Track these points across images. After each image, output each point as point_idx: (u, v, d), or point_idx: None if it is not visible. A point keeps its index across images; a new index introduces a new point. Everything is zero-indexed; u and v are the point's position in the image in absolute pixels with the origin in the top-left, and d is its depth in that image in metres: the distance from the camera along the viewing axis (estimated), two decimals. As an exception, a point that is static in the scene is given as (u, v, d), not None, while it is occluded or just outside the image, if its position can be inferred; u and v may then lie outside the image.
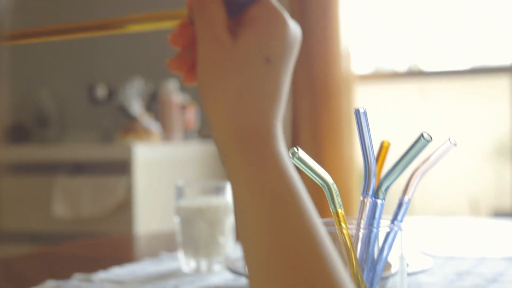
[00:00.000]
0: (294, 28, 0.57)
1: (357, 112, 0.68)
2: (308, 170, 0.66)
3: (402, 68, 3.00)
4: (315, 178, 0.67)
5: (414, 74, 3.01)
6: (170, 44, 0.58)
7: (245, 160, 0.54)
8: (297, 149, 0.64)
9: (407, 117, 3.00)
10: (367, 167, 0.68)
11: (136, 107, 2.71)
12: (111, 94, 2.79)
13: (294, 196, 0.53)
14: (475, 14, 2.94)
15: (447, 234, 1.41)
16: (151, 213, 2.52)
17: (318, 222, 0.53)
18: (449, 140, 0.69)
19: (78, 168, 2.57)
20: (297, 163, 0.65)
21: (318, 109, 2.62)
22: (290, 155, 0.64)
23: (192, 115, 2.79)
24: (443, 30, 2.98)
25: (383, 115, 3.00)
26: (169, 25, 0.58)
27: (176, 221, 1.15)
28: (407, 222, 0.71)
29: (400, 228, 0.68)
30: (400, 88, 3.04)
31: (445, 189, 2.62)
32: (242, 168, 0.54)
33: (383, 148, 0.72)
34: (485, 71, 2.92)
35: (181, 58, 0.58)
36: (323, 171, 0.68)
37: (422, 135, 0.66)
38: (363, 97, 2.81)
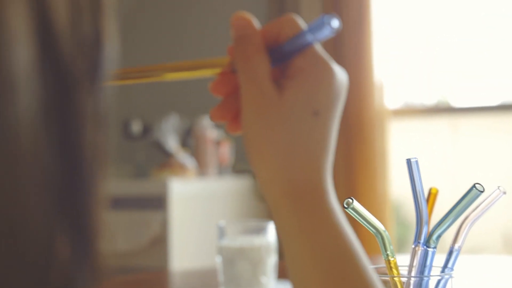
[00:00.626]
0: (341, 76, 0.54)
1: (408, 161, 0.69)
2: (362, 220, 0.68)
3: (431, 102, 3.00)
4: (368, 227, 0.68)
5: (445, 109, 3.00)
6: (211, 93, 0.56)
7: (297, 217, 0.52)
8: (352, 200, 0.66)
9: (438, 153, 2.99)
10: (418, 215, 0.68)
11: (172, 143, 2.73)
12: (146, 129, 2.81)
13: (351, 253, 0.52)
14: (505, 48, 2.94)
15: (485, 275, 1.40)
16: (186, 249, 2.53)
17: (374, 276, 0.52)
18: (499, 188, 0.70)
19: (114, 203, 2.59)
20: (351, 213, 0.66)
21: (351, 144, 2.62)
22: (345, 205, 0.65)
23: (226, 151, 2.81)
24: (473, 64, 2.98)
25: (414, 150, 2.99)
26: (210, 73, 0.57)
27: (218, 260, 1.15)
28: (457, 269, 0.72)
29: (451, 276, 0.69)
30: (431, 123, 3.04)
31: (478, 225, 2.59)
32: (295, 225, 0.52)
33: (431, 195, 0.73)
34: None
35: (224, 107, 0.56)
36: (375, 219, 0.69)
37: (474, 185, 0.67)
38: (395, 132, 2.81)
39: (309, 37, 0.53)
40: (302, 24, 0.55)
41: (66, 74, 0.34)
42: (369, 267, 0.52)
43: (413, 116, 2.98)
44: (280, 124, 0.52)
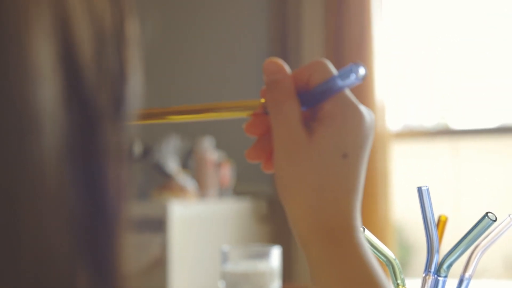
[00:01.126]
0: (369, 119, 0.57)
1: (419, 189, 0.69)
2: (373, 248, 0.67)
3: (431, 124, 3.00)
4: (379, 256, 0.68)
5: (445, 132, 3.00)
6: (246, 133, 0.59)
7: (326, 252, 0.55)
8: (364, 229, 0.65)
9: (440, 176, 2.99)
10: (429, 244, 0.69)
11: (172, 165, 2.72)
12: (146, 151, 2.81)
13: (377, 286, 0.53)
14: (504, 69, 2.95)
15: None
16: (186, 272, 2.51)
17: None
18: (510, 216, 0.70)
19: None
20: (362, 241, 0.66)
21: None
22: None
23: (227, 173, 2.81)
24: (472, 85, 2.99)
25: (415, 173, 2.99)
26: (243, 115, 0.59)
27: (221, 285, 1.15)
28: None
29: None
30: (431, 146, 3.04)
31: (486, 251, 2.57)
32: (324, 259, 0.55)
33: (441, 223, 0.73)
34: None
35: (258, 147, 0.59)
36: (386, 248, 0.69)
37: (487, 214, 0.67)
38: (395, 155, 2.80)
39: (339, 82, 0.56)
40: (332, 69, 0.57)
41: (90, 108, 0.35)
42: None
43: (414, 139, 2.98)
44: (311, 166, 0.55)
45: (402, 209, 2.75)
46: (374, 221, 2.62)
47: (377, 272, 0.54)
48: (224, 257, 1.16)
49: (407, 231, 2.93)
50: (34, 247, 0.32)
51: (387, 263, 0.69)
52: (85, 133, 0.34)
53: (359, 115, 0.56)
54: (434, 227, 0.69)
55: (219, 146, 2.84)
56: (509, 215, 0.70)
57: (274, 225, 2.74)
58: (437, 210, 0.72)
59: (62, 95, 0.33)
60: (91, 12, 0.35)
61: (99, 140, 0.35)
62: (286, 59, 2.70)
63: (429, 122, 3.01)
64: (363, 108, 0.57)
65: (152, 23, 2.86)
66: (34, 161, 0.32)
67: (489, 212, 0.67)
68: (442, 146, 3.02)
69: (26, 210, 0.32)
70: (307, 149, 0.55)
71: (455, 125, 2.99)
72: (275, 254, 1.16)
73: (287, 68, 0.57)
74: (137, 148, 2.79)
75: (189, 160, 2.81)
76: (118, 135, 0.36)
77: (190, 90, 3.13)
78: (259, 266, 1.14)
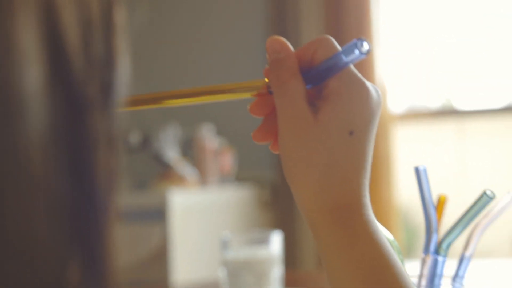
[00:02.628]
0: (376, 95, 0.56)
1: (417, 169, 0.68)
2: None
3: (436, 105, 2.99)
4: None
5: (450, 113, 2.99)
6: (251, 114, 0.58)
7: (336, 232, 0.54)
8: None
9: (444, 157, 2.97)
10: (428, 224, 0.68)
11: (171, 154, 2.72)
12: (146, 140, 2.80)
13: (388, 263, 0.53)
14: (510, 49, 2.93)
15: (496, 281, 1.38)
16: (188, 261, 2.51)
17: (412, 286, 0.54)
18: (509, 193, 0.69)
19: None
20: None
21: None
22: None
23: (228, 160, 2.80)
24: (477, 65, 2.97)
25: (419, 155, 2.98)
26: (247, 96, 0.59)
27: (222, 273, 1.14)
28: (468, 276, 0.71)
29: (462, 285, 0.69)
30: (436, 127, 3.03)
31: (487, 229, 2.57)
32: (334, 239, 0.54)
33: (440, 203, 0.72)
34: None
35: (264, 128, 0.58)
36: (384, 229, 0.68)
37: (485, 192, 0.66)
38: (399, 137, 2.79)
39: (343, 58, 0.55)
40: (336, 45, 0.56)
41: (77, 95, 0.34)
42: (407, 276, 0.54)
43: (418, 120, 2.97)
44: (317, 145, 0.54)
45: (408, 192, 2.74)
46: (378, 204, 2.61)
47: (387, 250, 0.54)
48: (224, 245, 1.16)
49: (413, 213, 2.93)
50: (20, 238, 0.32)
51: (385, 244, 0.67)
52: (72, 121, 0.34)
53: (365, 91, 0.55)
54: (432, 207, 0.69)
55: (220, 132, 2.83)
56: (509, 192, 0.69)
57: (277, 211, 2.74)
58: (442, 191, 0.72)
59: (48, 81, 0.33)
60: None
61: (86, 128, 0.34)
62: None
63: (434, 103, 2.99)
64: (369, 84, 0.56)
65: (142, 9, 2.85)
66: (19, 149, 0.31)
67: (487, 189, 0.66)
68: (447, 127, 3.01)
69: (11, 200, 0.31)
70: (313, 128, 0.54)
71: (460, 106, 2.98)
72: (276, 239, 1.16)
73: (290, 46, 0.56)
74: (136, 137, 2.79)
75: (189, 148, 2.80)
76: (106, 123, 0.35)
77: (187, 76, 3.12)
78: (260, 252, 1.14)
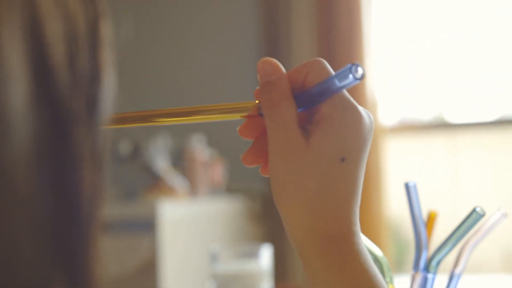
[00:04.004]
0: (369, 121, 0.55)
1: (407, 186, 0.68)
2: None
3: (427, 118, 2.99)
4: (366, 254, 0.66)
5: (442, 126, 2.99)
6: (240, 136, 0.57)
7: (325, 259, 0.53)
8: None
9: (435, 171, 2.98)
10: (418, 241, 0.68)
11: (161, 164, 2.71)
12: (136, 151, 2.79)
13: None
14: (502, 62, 2.94)
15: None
16: (177, 273, 2.50)
17: None
18: (500, 210, 0.69)
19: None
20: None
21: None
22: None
23: (219, 171, 2.79)
24: (469, 78, 2.97)
25: (411, 168, 2.98)
26: (236, 117, 0.58)
27: (210, 286, 1.14)
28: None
29: None
30: (427, 140, 3.03)
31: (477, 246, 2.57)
32: (323, 267, 0.53)
33: (430, 219, 0.72)
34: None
35: (255, 150, 0.57)
36: (374, 245, 0.67)
37: (475, 209, 0.66)
38: (390, 150, 2.79)
39: (336, 83, 0.54)
40: (329, 68, 0.55)
41: (62, 111, 0.34)
42: None
43: (409, 133, 2.97)
44: (308, 170, 0.53)
45: (399, 206, 2.74)
46: (369, 218, 2.61)
47: (378, 281, 0.53)
48: (213, 257, 1.15)
49: (403, 228, 2.92)
50: (2, 255, 0.31)
51: (375, 261, 0.67)
52: (57, 136, 0.34)
53: (358, 117, 0.54)
54: (422, 224, 0.69)
55: (211, 144, 2.82)
56: (499, 209, 0.69)
57: (268, 223, 2.73)
58: (433, 205, 0.71)
59: (33, 96, 0.32)
60: (63, 12, 0.35)
61: (71, 143, 0.34)
62: (276, 55, 2.69)
63: (426, 116, 3.00)
64: (362, 110, 0.55)
65: (128, 23, 2.85)
66: (2, 165, 0.31)
67: (477, 207, 0.66)
68: (439, 140, 3.01)
69: None
70: (304, 153, 0.53)
71: (452, 119, 2.98)
72: (266, 253, 1.15)
73: (282, 68, 0.55)
74: (126, 147, 2.78)
75: (179, 159, 2.80)
76: (91, 139, 0.35)
77: (175, 93, 3.11)
78: (249, 266, 1.14)
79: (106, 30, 0.37)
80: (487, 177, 2.92)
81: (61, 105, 0.34)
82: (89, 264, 0.35)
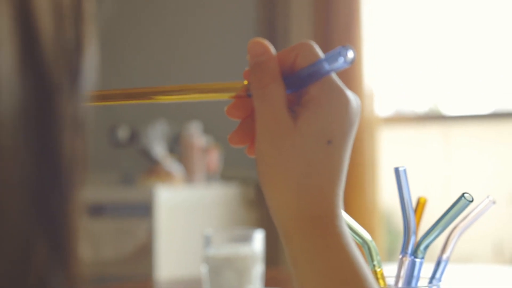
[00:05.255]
0: (355, 104, 0.55)
1: (396, 170, 0.68)
2: (349, 230, 0.66)
3: (422, 110, 2.99)
4: (355, 237, 0.67)
5: (436, 118, 3.00)
6: (227, 116, 0.57)
7: (308, 241, 0.54)
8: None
9: (429, 161, 2.98)
10: (406, 225, 0.68)
11: (159, 150, 2.71)
12: (134, 136, 2.80)
13: (359, 277, 0.53)
14: (497, 56, 2.94)
15: (474, 285, 1.39)
16: (172, 257, 2.51)
17: None
18: (488, 198, 0.69)
19: (99, 210, 2.57)
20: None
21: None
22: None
23: (214, 158, 2.80)
24: (465, 71, 2.98)
25: (405, 159, 2.99)
26: (224, 97, 0.58)
27: (203, 269, 1.14)
28: (445, 279, 0.71)
29: (438, 287, 0.69)
30: (422, 132, 3.03)
31: (468, 233, 2.59)
32: (306, 249, 0.54)
33: (420, 205, 0.72)
34: (509, 115, 2.91)
35: (241, 131, 0.58)
36: (362, 229, 0.68)
37: (463, 195, 0.66)
38: (384, 140, 2.80)
39: (325, 66, 0.54)
40: (319, 51, 0.55)
41: (47, 78, 0.35)
42: None
43: (404, 124, 2.98)
44: (294, 151, 0.53)
45: (392, 195, 2.74)
46: (362, 207, 2.62)
47: (359, 263, 0.53)
48: (207, 241, 1.16)
49: (396, 217, 2.93)
50: None
51: (363, 244, 0.68)
52: (41, 101, 0.35)
53: (345, 100, 0.54)
54: (411, 209, 0.68)
55: (207, 131, 2.83)
56: (488, 196, 0.70)
57: (262, 210, 2.74)
58: (427, 195, 0.72)
59: (19, 62, 0.34)
60: None
61: (54, 108, 0.35)
62: (274, 40, 2.69)
63: (421, 107, 3.00)
64: (349, 93, 0.55)
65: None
66: None
67: (466, 193, 0.66)
68: (433, 132, 3.02)
69: None
70: (291, 134, 0.54)
71: (447, 111, 2.98)
72: (258, 238, 1.16)
73: (272, 50, 0.56)
74: (124, 132, 2.78)
75: (176, 144, 2.80)
76: (73, 105, 0.36)
77: (167, 74, 3.11)
78: (242, 250, 1.14)
79: (90, 5, 0.38)
80: (480, 170, 2.93)
81: (46, 73, 0.35)
82: (69, 224, 0.36)
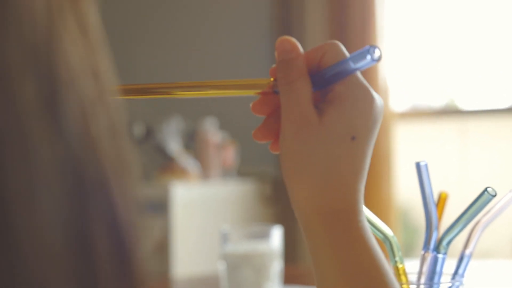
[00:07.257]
0: (380, 103, 0.57)
1: (418, 165, 0.68)
2: (370, 225, 0.66)
3: (439, 105, 2.98)
4: (376, 233, 0.66)
5: (453, 112, 2.98)
6: (252, 112, 0.59)
7: (329, 235, 0.55)
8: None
9: (446, 156, 2.97)
10: (428, 220, 0.68)
11: (174, 146, 2.71)
12: (149, 132, 2.80)
13: (379, 271, 0.54)
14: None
15: (495, 281, 1.38)
16: (189, 254, 2.51)
17: None
18: (511, 191, 0.69)
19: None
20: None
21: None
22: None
23: (230, 154, 2.79)
24: (482, 66, 2.96)
25: (422, 154, 2.97)
26: (250, 93, 0.59)
27: (221, 266, 1.14)
28: (467, 275, 0.70)
29: (461, 283, 0.68)
30: (438, 127, 3.02)
31: (487, 229, 2.57)
32: (327, 243, 0.55)
33: (441, 200, 0.72)
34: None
35: (266, 127, 0.59)
36: (384, 224, 0.67)
37: (486, 189, 0.66)
38: (400, 135, 2.79)
39: (351, 65, 0.55)
40: (345, 51, 0.57)
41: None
42: (397, 285, 0.55)
43: (421, 119, 2.97)
44: (319, 147, 0.55)
45: (408, 191, 2.74)
46: (378, 202, 2.61)
47: (380, 259, 0.54)
48: (224, 238, 1.15)
49: (413, 213, 2.92)
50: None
51: (385, 240, 0.67)
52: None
53: (370, 98, 0.56)
54: (433, 204, 0.68)
55: (223, 127, 2.83)
56: (510, 190, 0.69)
57: (279, 207, 2.73)
58: (444, 190, 0.71)
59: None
60: None
61: (90, 123, 0.34)
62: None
63: (437, 102, 2.99)
64: (374, 92, 0.57)
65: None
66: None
67: (489, 187, 0.66)
68: (450, 127, 3.00)
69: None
70: (316, 129, 0.55)
71: (464, 106, 2.97)
72: (276, 234, 1.16)
73: (300, 47, 0.57)
74: (139, 129, 2.78)
75: (191, 141, 2.80)
76: (106, 114, 0.35)
77: (182, 69, 3.11)
78: (260, 246, 1.14)
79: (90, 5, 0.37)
80: (497, 163, 2.91)
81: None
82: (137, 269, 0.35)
